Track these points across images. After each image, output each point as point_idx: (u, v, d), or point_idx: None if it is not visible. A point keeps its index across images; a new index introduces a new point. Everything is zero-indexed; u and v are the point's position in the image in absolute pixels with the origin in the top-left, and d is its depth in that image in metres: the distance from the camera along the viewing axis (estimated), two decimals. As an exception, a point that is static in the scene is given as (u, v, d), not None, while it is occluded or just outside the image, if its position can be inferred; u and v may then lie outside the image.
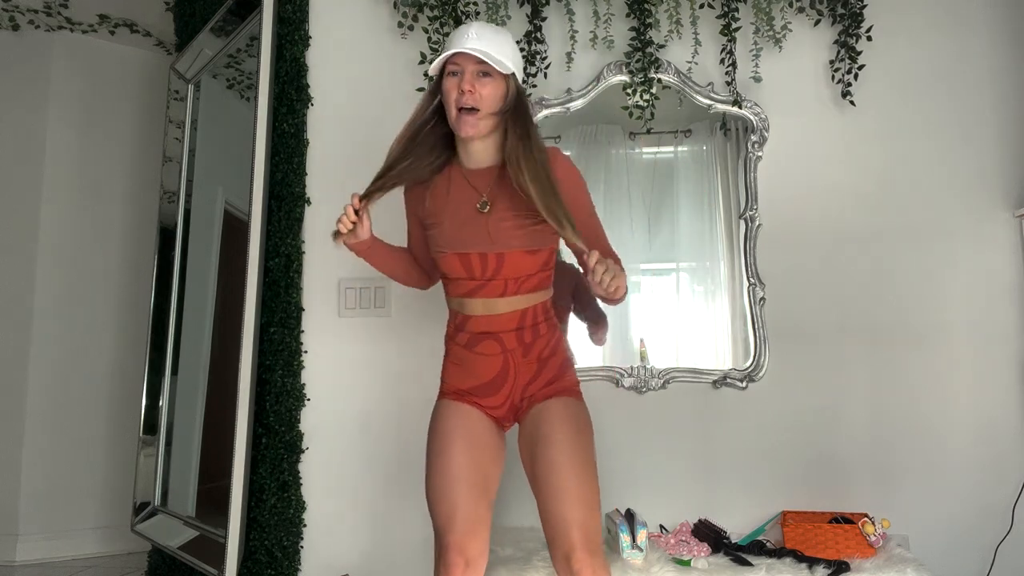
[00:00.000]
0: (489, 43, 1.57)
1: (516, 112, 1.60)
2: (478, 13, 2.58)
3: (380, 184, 1.65)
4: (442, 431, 1.65)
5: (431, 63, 1.69)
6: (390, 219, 2.11)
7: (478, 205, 1.63)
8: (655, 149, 2.63)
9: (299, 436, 2.46)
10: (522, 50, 2.54)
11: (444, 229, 1.65)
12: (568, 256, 2.35)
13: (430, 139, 1.67)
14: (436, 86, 1.64)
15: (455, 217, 1.64)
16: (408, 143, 1.66)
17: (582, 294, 2.53)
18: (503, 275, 1.63)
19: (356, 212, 1.63)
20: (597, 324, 2.55)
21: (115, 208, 3.69)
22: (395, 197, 1.81)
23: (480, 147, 1.65)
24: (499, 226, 1.60)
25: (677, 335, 2.58)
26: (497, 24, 2.56)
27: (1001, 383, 2.43)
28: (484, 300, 1.65)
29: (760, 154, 2.55)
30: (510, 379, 1.69)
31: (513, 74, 1.61)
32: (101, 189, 3.66)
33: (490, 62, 1.55)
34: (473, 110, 1.57)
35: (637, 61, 2.51)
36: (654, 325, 2.58)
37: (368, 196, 1.64)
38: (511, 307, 1.65)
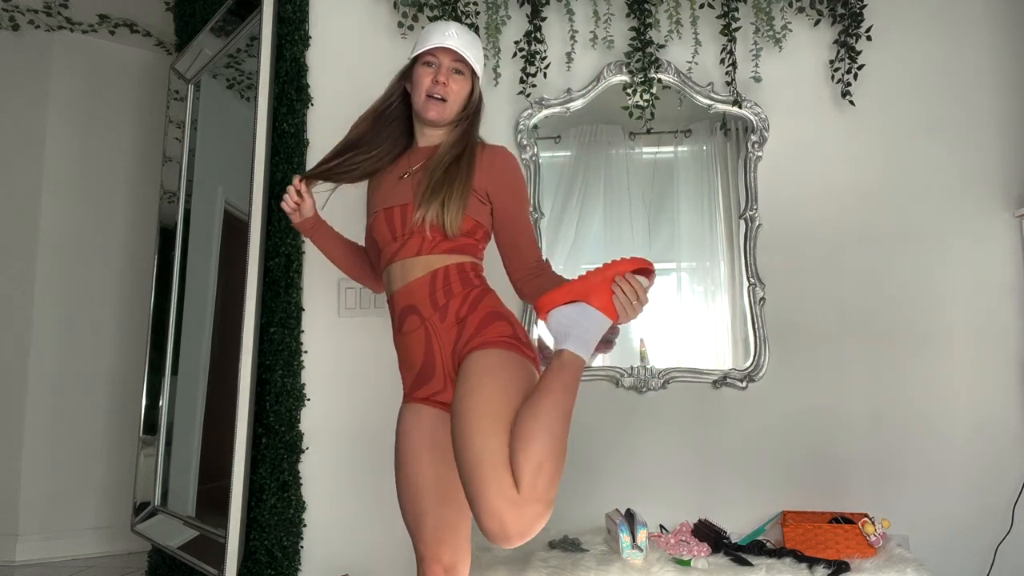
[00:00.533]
0: (466, 44, 1.69)
1: (474, 115, 1.73)
2: (478, 13, 2.58)
3: (325, 170, 1.73)
4: (400, 438, 1.65)
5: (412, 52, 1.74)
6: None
7: (407, 173, 1.69)
8: (655, 149, 2.63)
9: (299, 436, 2.46)
10: (521, 50, 2.55)
11: (376, 194, 1.73)
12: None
13: (391, 127, 1.75)
14: (406, 73, 1.74)
15: (387, 182, 1.72)
16: (372, 123, 1.74)
17: None
18: (420, 230, 1.61)
19: (298, 193, 1.73)
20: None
21: (115, 208, 3.69)
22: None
23: (434, 132, 1.73)
24: (409, 184, 1.67)
25: (677, 335, 2.58)
26: (497, 24, 2.56)
27: (1001, 383, 2.43)
28: (402, 263, 1.63)
29: (760, 154, 2.55)
30: (436, 352, 1.58)
31: (477, 78, 1.73)
32: (101, 189, 3.66)
33: (469, 59, 1.67)
34: (442, 100, 1.66)
35: (637, 61, 2.51)
36: (654, 325, 2.58)
37: (309, 179, 1.74)
38: (426, 267, 1.60)
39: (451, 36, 1.67)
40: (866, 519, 2.18)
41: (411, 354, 1.62)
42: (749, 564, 2.07)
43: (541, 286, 1.64)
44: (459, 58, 1.67)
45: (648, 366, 2.51)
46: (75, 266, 3.57)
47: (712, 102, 2.56)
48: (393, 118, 1.75)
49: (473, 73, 1.72)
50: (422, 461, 1.58)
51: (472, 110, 1.72)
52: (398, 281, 1.63)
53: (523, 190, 1.72)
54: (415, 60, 1.71)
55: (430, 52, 1.68)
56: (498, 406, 1.38)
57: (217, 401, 2.67)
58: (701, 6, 2.53)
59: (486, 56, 2.59)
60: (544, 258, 1.75)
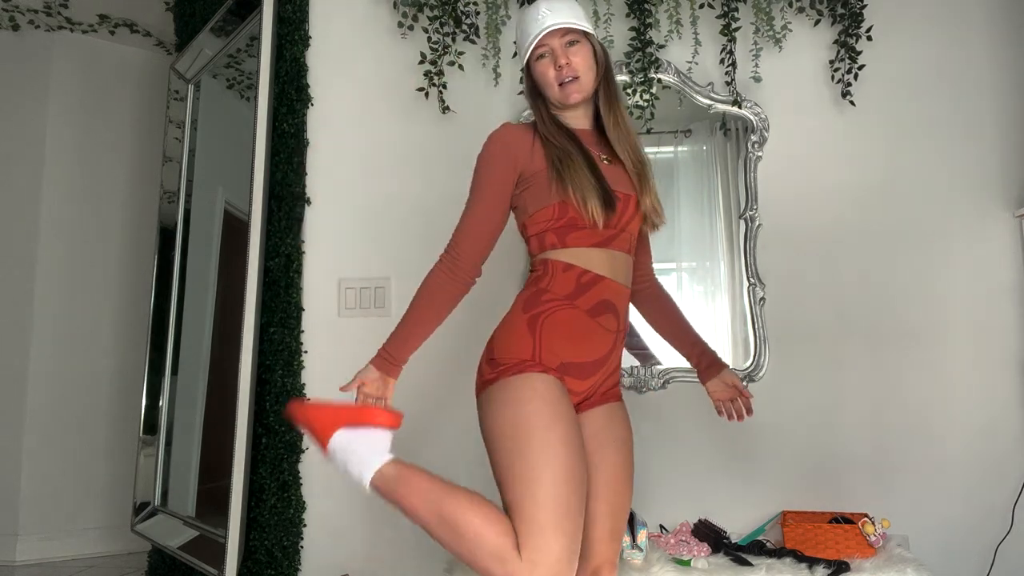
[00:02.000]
0: (563, 12, 1.57)
1: (607, 75, 1.63)
2: (478, 13, 2.58)
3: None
4: (552, 416, 1.35)
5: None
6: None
7: (604, 158, 1.59)
8: (655, 149, 2.63)
9: (299, 436, 2.46)
10: (522, 50, 2.54)
11: (572, 173, 1.52)
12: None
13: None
14: (530, 81, 1.63)
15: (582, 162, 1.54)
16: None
17: None
18: (632, 227, 1.57)
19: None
20: None
21: (115, 208, 3.69)
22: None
23: (578, 112, 1.63)
24: (620, 173, 1.58)
25: (677, 335, 2.57)
26: (497, 24, 2.56)
27: (1001, 383, 2.43)
28: (611, 253, 1.53)
29: (760, 154, 2.55)
30: (607, 364, 1.53)
31: (593, 35, 1.61)
32: (101, 189, 3.66)
33: (575, 26, 1.55)
34: (575, 80, 1.56)
35: (637, 61, 2.51)
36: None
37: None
38: (626, 278, 1.56)
39: (546, 15, 1.56)
40: (866, 519, 2.18)
41: (593, 345, 1.49)
42: (749, 564, 2.07)
43: (666, 301, 1.85)
44: (566, 31, 1.56)
45: (648, 366, 2.50)
46: (75, 266, 3.57)
47: (712, 102, 2.56)
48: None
49: (585, 34, 1.59)
50: (582, 457, 1.38)
51: (603, 69, 1.61)
52: (603, 268, 1.51)
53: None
54: (528, 62, 1.61)
55: (538, 45, 1.57)
56: None
57: (217, 401, 2.67)
58: (701, 6, 2.53)
59: (486, 56, 2.59)
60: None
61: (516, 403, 1.37)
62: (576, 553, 1.29)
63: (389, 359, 1.61)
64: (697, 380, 2.50)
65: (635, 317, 2.56)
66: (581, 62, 1.56)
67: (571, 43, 1.56)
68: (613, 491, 1.52)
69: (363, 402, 1.58)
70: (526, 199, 1.54)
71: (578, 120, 1.63)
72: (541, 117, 1.60)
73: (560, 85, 1.56)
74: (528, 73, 1.62)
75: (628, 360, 2.52)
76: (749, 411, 1.82)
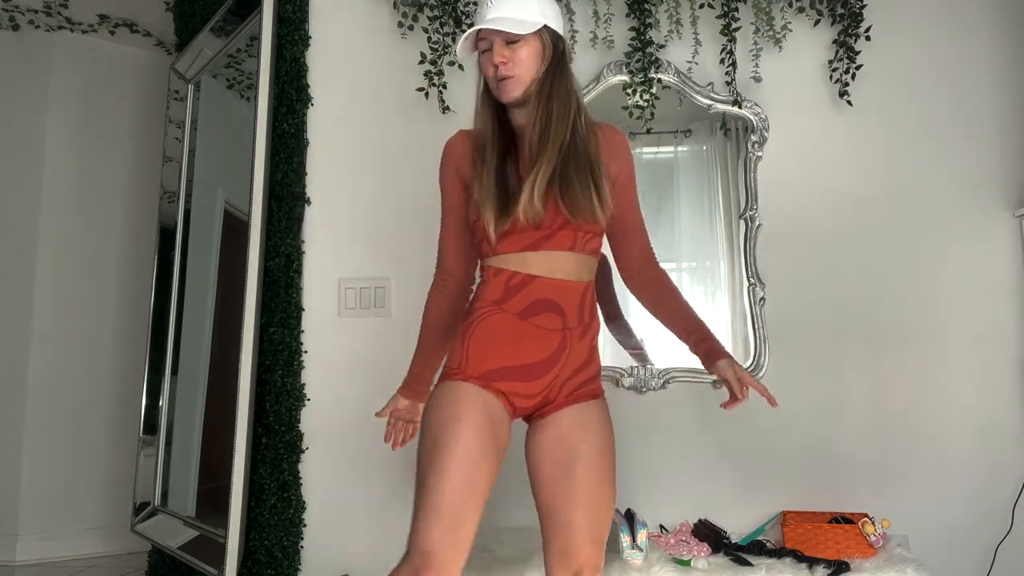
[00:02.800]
0: (508, 7, 1.49)
1: (555, 68, 1.53)
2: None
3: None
4: (454, 422, 1.38)
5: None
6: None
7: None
8: (655, 149, 2.63)
9: (299, 436, 2.46)
10: (522, 50, 2.53)
11: (478, 178, 1.52)
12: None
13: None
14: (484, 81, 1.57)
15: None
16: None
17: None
18: (569, 224, 1.47)
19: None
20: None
21: (115, 208, 3.69)
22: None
23: (520, 110, 1.56)
24: (565, 177, 1.51)
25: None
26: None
27: (1001, 383, 2.43)
28: (548, 254, 1.47)
29: (760, 154, 2.55)
30: (560, 363, 1.48)
31: (546, 27, 1.51)
32: (101, 189, 3.66)
33: (508, 29, 1.46)
34: (510, 78, 1.50)
35: (637, 61, 2.51)
36: (654, 325, 2.58)
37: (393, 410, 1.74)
38: (578, 273, 1.50)
39: (489, 6, 1.50)
40: (866, 519, 2.18)
41: (528, 346, 1.46)
42: (749, 564, 2.07)
43: (662, 288, 1.70)
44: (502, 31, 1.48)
45: (648, 366, 2.50)
46: (75, 266, 3.57)
47: (712, 102, 2.56)
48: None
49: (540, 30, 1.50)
50: (480, 464, 1.38)
51: (548, 62, 1.52)
52: (537, 268, 1.47)
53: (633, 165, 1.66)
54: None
55: (480, 37, 1.52)
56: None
57: (217, 401, 2.67)
58: (701, 6, 2.53)
59: (486, 56, 2.59)
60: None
61: (431, 410, 1.45)
62: (455, 549, 1.32)
63: (414, 385, 1.71)
64: (697, 380, 2.51)
65: (637, 316, 2.56)
66: (522, 60, 1.49)
67: (511, 40, 1.49)
68: (587, 497, 1.45)
69: (394, 425, 1.73)
70: (471, 207, 1.53)
71: (519, 117, 1.57)
72: (481, 111, 1.57)
73: (497, 82, 1.51)
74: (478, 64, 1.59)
75: (628, 360, 2.52)
76: (743, 395, 1.67)
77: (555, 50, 1.53)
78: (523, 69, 1.49)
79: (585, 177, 1.48)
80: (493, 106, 1.56)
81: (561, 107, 1.51)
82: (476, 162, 1.52)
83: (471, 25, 2.55)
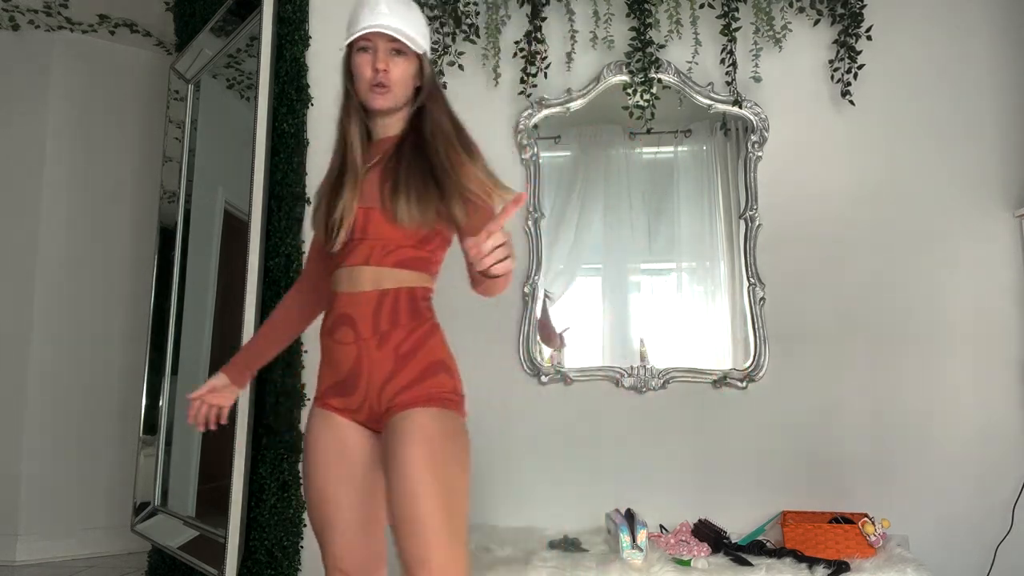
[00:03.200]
0: (403, 19, 1.47)
1: (431, 95, 1.53)
2: (478, 13, 2.58)
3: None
4: (314, 453, 1.49)
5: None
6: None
7: (367, 167, 1.53)
8: (655, 149, 2.63)
9: (299, 436, 2.46)
10: (521, 50, 2.54)
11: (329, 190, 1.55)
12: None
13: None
14: (347, 66, 1.53)
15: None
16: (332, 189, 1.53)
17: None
18: (369, 236, 1.46)
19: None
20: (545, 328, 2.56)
21: (115, 208, 3.69)
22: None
23: (389, 120, 1.54)
24: (373, 181, 1.49)
25: (677, 335, 2.58)
26: (497, 24, 2.56)
27: (1001, 383, 2.43)
28: (349, 270, 1.48)
29: (760, 154, 2.55)
30: (364, 376, 1.46)
31: (424, 54, 1.51)
32: (101, 189, 3.66)
33: (404, 40, 1.44)
34: (387, 88, 1.47)
35: (637, 61, 2.51)
36: (654, 325, 2.58)
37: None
38: (375, 282, 1.46)
39: (382, 13, 1.45)
40: (866, 519, 2.18)
41: (337, 361, 1.49)
42: (749, 564, 2.07)
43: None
44: (394, 39, 1.45)
45: (648, 366, 2.51)
46: (75, 266, 3.57)
47: (712, 102, 2.56)
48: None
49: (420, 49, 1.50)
50: (346, 484, 1.47)
51: (427, 92, 1.52)
52: (343, 284, 1.49)
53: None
54: (350, 48, 1.50)
55: (364, 36, 1.46)
56: (455, 482, 1.36)
57: (217, 401, 2.66)
58: (701, 6, 2.53)
59: (486, 56, 2.59)
60: None
61: (306, 436, 1.54)
62: (335, 562, 1.48)
63: (241, 368, 1.75)
64: (697, 380, 2.51)
65: (638, 317, 2.56)
66: (399, 75, 1.47)
67: (397, 52, 1.47)
68: (395, 505, 1.35)
69: (199, 408, 1.68)
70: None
71: (388, 128, 1.54)
72: (343, 108, 1.55)
73: (372, 87, 1.47)
74: (347, 57, 1.52)
75: (628, 360, 2.52)
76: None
77: (432, 78, 1.54)
78: (399, 83, 1.48)
79: (414, 190, 1.45)
80: (358, 110, 1.54)
81: (449, 139, 1.51)
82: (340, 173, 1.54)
83: (471, 26, 2.57)
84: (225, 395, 1.67)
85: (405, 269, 1.48)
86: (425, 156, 1.49)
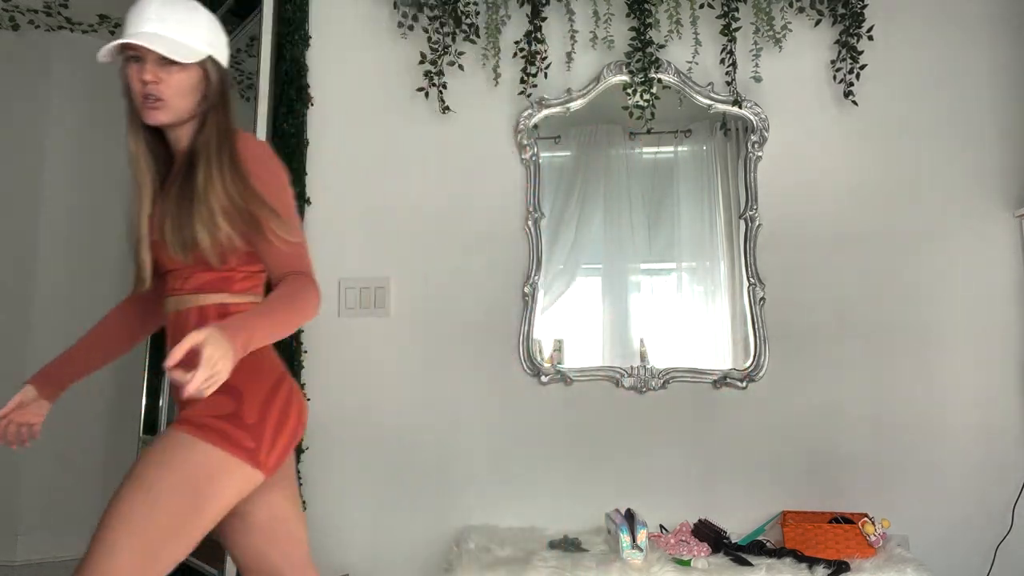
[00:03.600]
0: (172, 24, 1.31)
1: (214, 105, 1.39)
2: (478, 13, 2.57)
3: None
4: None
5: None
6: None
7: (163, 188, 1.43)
8: (655, 149, 2.63)
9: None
10: (521, 50, 2.53)
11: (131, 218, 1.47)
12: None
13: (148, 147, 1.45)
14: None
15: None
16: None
17: None
18: (166, 267, 1.42)
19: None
20: None
21: (115, 208, 3.69)
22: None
23: (180, 133, 1.42)
24: (164, 213, 1.38)
25: (677, 335, 2.58)
26: (497, 24, 2.55)
27: (1001, 383, 2.43)
28: (164, 299, 1.44)
29: (760, 154, 2.55)
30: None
31: (210, 57, 1.36)
32: (101, 188, 3.66)
33: (166, 53, 1.29)
34: (159, 101, 1.33)
35: (637, 61, 2.51)
36: (654, 325, 2.58)
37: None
38: (175, 308, 1.42)
39: (148, 19, 1.31)
40: (866, 519, 2.18)
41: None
42: (749, 564, 2.07)
43: None
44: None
45: (648, 366, 2.50)
46: (75, 266, 3.57)
47: (712, 102, 2.56)
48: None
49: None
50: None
51: (211, 102, 1.38)
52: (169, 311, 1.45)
53: (281, 185, 1.40)
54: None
55: (129, 47, 1.31)
56: (129, 507, 1.17)
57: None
58: (701, 6, 2.53)
59: (486, 56, 2.59)
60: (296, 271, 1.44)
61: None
62: None
63: (51, 378, 1.61)
64: (697, 380, 2.51)
65: (637, 317, 2.56)
66: (172, 88, 1.32)
67: (169, 60, 1.32)
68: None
69: (6, 427, 1.50)
70: None
71: (179, 141, 1.42)
72: (133, 127, 1.43)
73: (143, 100, 1.34)
74: (121, 67, 1.38)
75: (628, 360, 2.52)
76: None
77: (219, 86, 1.39)
78: (176, 95, 1.33)
79: (183, 220, 1.33)
80: (142, 123, 1.40)
81: (209, 154, 1.34)
82: (135, 194, 1.43)
83: (471, 26, 2.57)
84: (33, 411, 1.50)
85: (202, 292, 1.39)
86: (190, 176, 1.34)
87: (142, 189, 1.44)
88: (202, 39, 1.35)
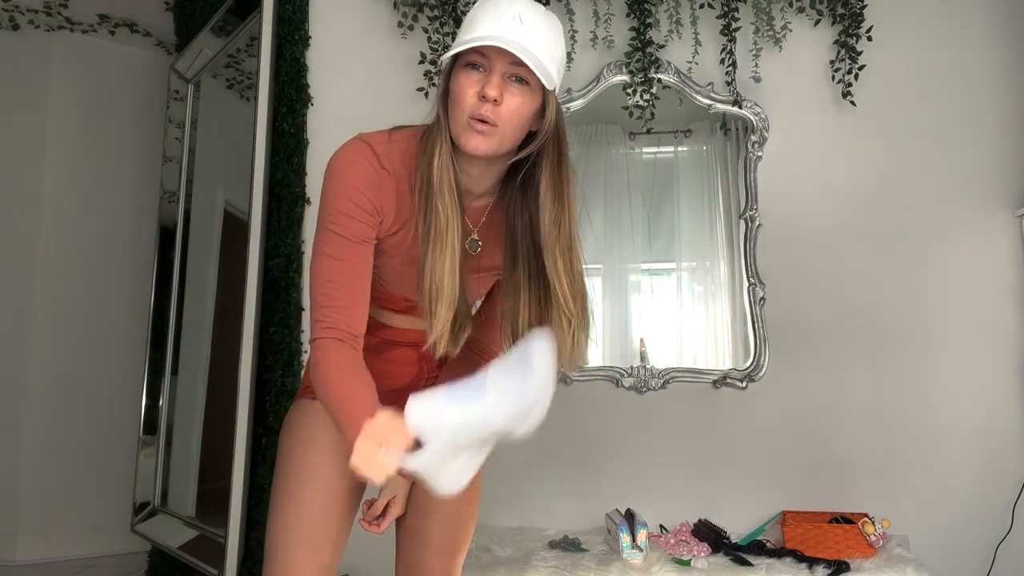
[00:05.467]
0: (539, 39, 1.07)
1: (552, 144, 1.14)
2: (478, 13, 2.57)
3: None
4: (304, 446, 1.28)
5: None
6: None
7: (467, 244, 1.20)
8: (655, 149, 2.63)
9: (299, 436, 2.46)
10: (522, 50, 2.53)
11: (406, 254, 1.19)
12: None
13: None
14: (446, 79, 1.14)
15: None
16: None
17: None
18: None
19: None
20: None
21: (115, 208, 3.69)
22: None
23: (482, 170, 1.18)
24: (475, 278, 1.24)
25: (677, 335, 2.58)
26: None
27: (1001, 383, 2.43)
28: (410, 317, 1.32)
29: (760, 154, 2.55)
30: (416, 390, 1.31)
31: (550, 93, 1.12)
32: (101, 189, 3.66)
33: (534, 70, 1.06)
34: (490, 125, 1.09)
35: (637, 61, 2.51)
36: (654, 325, 2.58)
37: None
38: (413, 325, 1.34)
39: (513, 20, 1.06)
40: (866, 519, 2.18)
41: (390, 375, 1.38)
42: (749, 564, 2.07)
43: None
44: (520, 63, 1.06)
45: (648, 366, 2.51)
46: (75, 266, 3.57)
47: (712, 102, 2.56)
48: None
49: (542, 86, 1.09)
50: (336, 486, 1.28)
51: (542, 137, 1.13)
52: (403, 323, 1.36)
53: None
54: (454, 58, 1.12)
55: (476, 50, 1.08)
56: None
57: (217, 401, 2.67)
58: (701, 6, 2.53)
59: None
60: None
61: (286, 432, 1.34)
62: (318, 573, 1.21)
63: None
64: (697, 380, 2.51)
65: (637, 317, 2.55)
66: (513, 111, 1.09)
67: (518, 78, 1.09)
68: (435, 516, 1.36)
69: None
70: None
71: (475, 179, 1.18)
72: (441, 148, 1.15)
73: (470, 119, 1.09)
74: (448, 70, 1.14)
75: (628, 360, 2.52)
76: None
77: (555, 121, 1.14)
78: (511, 123, 1.09)
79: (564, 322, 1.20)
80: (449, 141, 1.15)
81: (571, 219, 1.16)
82: (425, 220, 1.14)
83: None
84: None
85: None
86: (539, 254, 1.15)
87: (449, 227, 1.13)
88: (556, 64, 1.11)
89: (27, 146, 3.54)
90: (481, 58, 1.08)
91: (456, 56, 1.10)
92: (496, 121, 1.08)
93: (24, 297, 3.47)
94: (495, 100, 1.07)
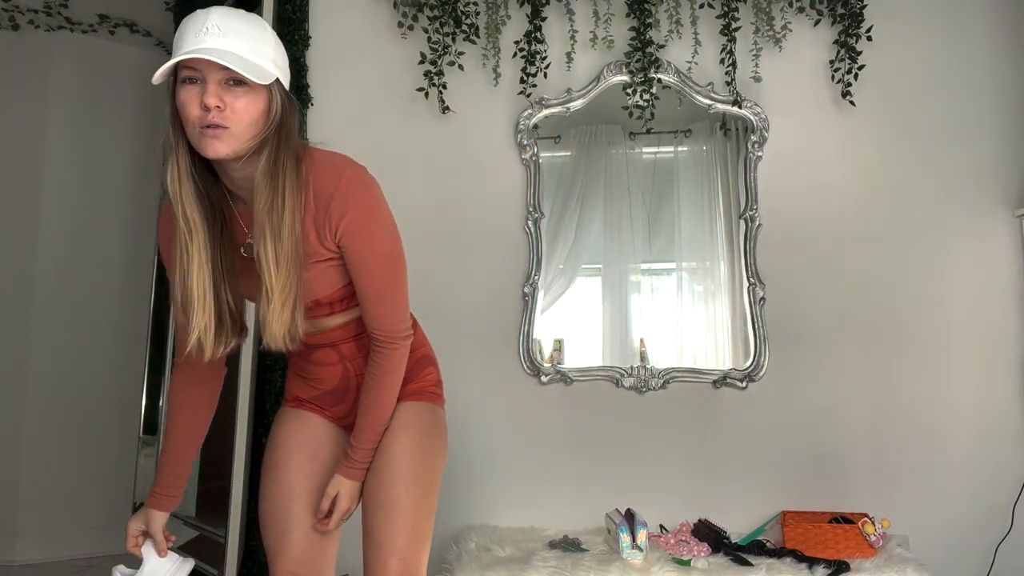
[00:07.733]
0: (240, 40, 1.14)
1: (280, 133, 1.21)
2: (478, 13, 2.58)
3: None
4: (284, 450, 1.47)
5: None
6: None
7: (243, 249, 1.29)
8: (655, 149, 2.63)
9: (299, 436, 2.46)
10: (521, 50, 2.53)
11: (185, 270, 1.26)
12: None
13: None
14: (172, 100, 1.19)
15: (228, 261, 1.29)
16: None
17: None
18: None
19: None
20: None
21: (115, 208, 3.69)
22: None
23: (243, 173, 1.22)
24: (310, 274, 1.30)
25: (677, 335, 2.58)
26: (497, 24, 2.55)
27: (1001, 383, 2.43)
28: (311, 320, 1.37)
29: (760, 154, 2.55)
30: (353, 387, 1.45)
31: (277, 80, 1.19)
32: (101, 188, 3.66)
33: (240, 71, 1.12)
34: (222, 129, 1.14)
35: (637, 61, 2.51)
36: (654, 325, 2.58)
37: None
38: (337, 322, 1.43)
39: (210, 32, 1.12)
40: (866, 519, 2.18)
41: (319, 380, 1.50)
42: (749, 564, 2.07)
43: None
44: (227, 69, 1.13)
45: (648, 366, 2.51)
46: (75, 266, 3.57)
47: (712, 102, 2.56)
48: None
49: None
50: (302, 470, 1.45)
51: (275, 126, 1.20)
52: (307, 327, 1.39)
53: (383, 231, 1.37)
54: (175, 77, 1.17)
55: (187, 65, 1.14)
56: (430, 474, 1.46)
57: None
58: (701, 6, 2.53)
59: (486, 56, 2.59)
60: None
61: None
62: (288, 564, 1.40)
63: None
64: (697, 380, 2.51)
65: (637, 317, 2.55)
66: (241, 112, 1.15)
67: (235, 81, 1.14)
68: (375, 491, 1.37)
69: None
70: None
71: (245, 182, 1.23)
72: (176, 161, 1.20)
73: (201, 129, 1.14)
74: (172, 90, 1.18)
75: (628, 360, 2.52)
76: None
77: (283, 113, 1.21)
78: (242, 123, 1.15)
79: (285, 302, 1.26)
80: (190, 154, 1.21)
81: (289, 184, 1.21)
82: (182, 245, 1.22)
83: (471, 26, 2.57)
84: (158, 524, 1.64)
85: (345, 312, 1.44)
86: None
87: (192, 236, 1.22)
88: (269, 58, 1.18)
89: (27, 146, 3.54)
90: (194, 71, 1.14)
91: (176, 75, 1.17)
92: (226, 123, 1.14)
93: (24, 297, 3.47)
94: (217, 107, 1.13)
